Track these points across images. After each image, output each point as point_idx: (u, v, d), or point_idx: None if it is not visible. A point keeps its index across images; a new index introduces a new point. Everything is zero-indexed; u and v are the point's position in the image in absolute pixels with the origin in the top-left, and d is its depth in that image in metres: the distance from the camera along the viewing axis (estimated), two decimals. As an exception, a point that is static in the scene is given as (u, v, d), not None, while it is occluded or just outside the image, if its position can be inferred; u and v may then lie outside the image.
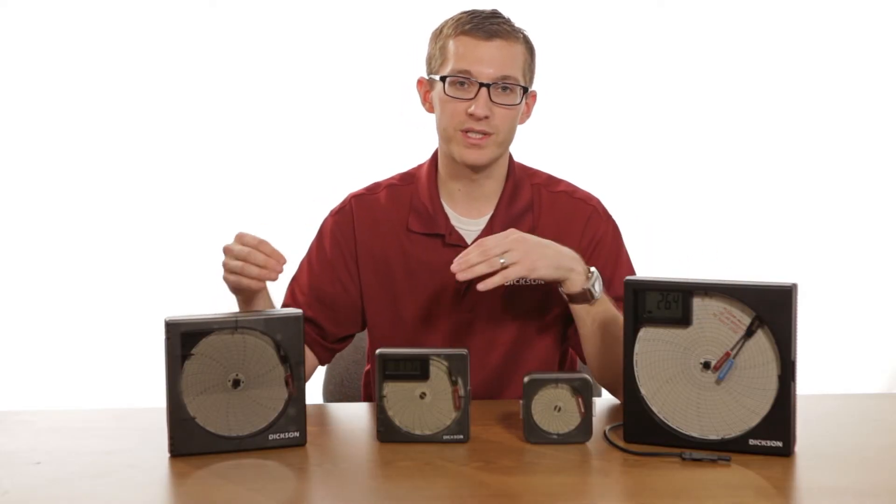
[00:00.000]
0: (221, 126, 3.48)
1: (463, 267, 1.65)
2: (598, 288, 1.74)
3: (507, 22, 1.85)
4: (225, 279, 1.71)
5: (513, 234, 1.70)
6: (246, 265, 1.65)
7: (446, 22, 1.87)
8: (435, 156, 1.96)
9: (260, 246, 1.66)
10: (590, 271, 1.74)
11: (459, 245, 1.89)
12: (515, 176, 1.94)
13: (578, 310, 1.77)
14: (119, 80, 3.43)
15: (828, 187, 3.59)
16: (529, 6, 3.32)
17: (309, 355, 1.93)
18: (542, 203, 1.94)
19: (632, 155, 3.57)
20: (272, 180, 3.50)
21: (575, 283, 1.73)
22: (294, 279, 1.98)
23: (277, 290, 1.86)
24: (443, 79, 1.83)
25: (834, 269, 3.56)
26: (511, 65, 1.82)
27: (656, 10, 3.53)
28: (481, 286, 1.65)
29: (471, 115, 1.80)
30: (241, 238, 1.68)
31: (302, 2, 3.47)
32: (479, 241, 1.69)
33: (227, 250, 1.69)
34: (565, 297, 1.76)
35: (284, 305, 1.94)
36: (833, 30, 3.54)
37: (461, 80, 1.81)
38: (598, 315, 1.76)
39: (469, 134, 1.82)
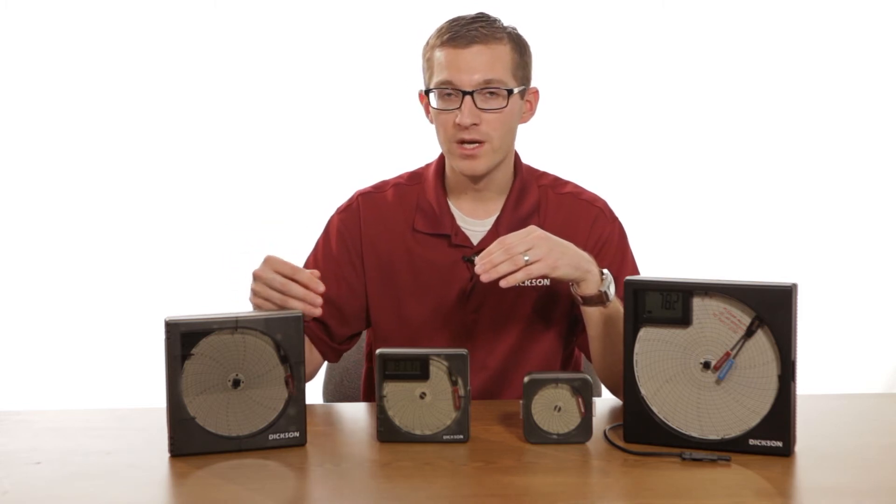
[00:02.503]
0: (222, 125, 3.48)
1: (487, 268, 1.63)
2: (612, 290, 1.74)
3: (489, 25, 1.82)
4: (256, 304, 1.68)
5: (534, 231, 1.68)
6: (287, 299, 1.63)
7: (433, 33, 1.86)
8: (442, 157, 1.95)
9: (296, 275, 1.63)
10: (603, 274, 1.74)
11: (465, 245, 1.89)
12: (523, 177, 1.94)
13: (590, 312, 1.76)
14: (122, 80, 3.44)
15: (827, 187, 3.59)
16: (533, 8, 3.35)
17: (315, 353, 1.93)
18: (549, 204, 1.94)
19: (632, 155, 3.57)
20: (274, 180, 3.51)
21: (591, 285, 1.72)
22: None
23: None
24: (428, 92, 1.84)
25: (834, 269, 3.57)
26: (493, 68, 1.80)
27: (659, 11, 3.53)
28: (503, 283, 1.63)
29: (458, 126, 1.80)
30: (273, 264, 1.64)
31: (309, 2, 3.48)
32: (500, 238, 1.67)
33: (258, 276, 1.65)
34: (578, 299, 1.75)
35: None
36: (833, 30, 3.54)
37: (446, 91, 1.81)
38: (608, 317, 1.76)
39: (463, 145, 1.82)
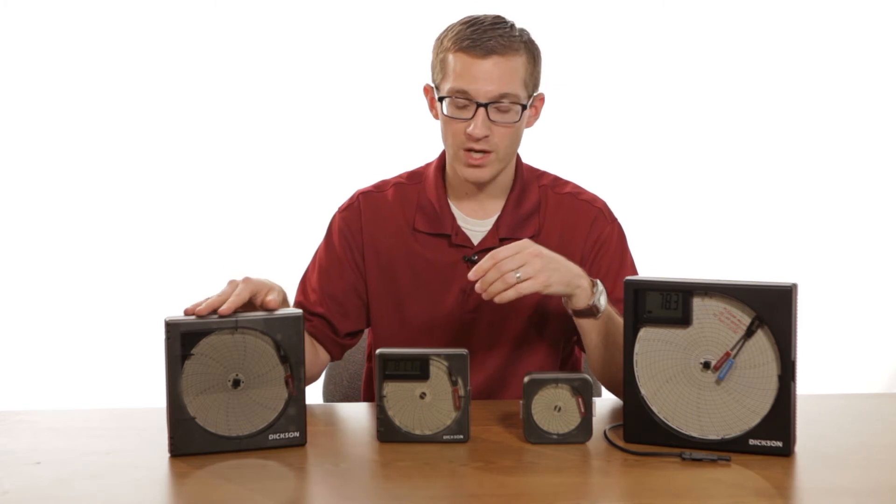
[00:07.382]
0: (222, 125, 3.49)
1: (483, 287, 1.63)
2: (602, 302, 1.73)
3: (506, 34, 1.80)
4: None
5: (528, 246, 1.66)
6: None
7: (447, 32, 1.84)
8: (443, 156, 1.95)
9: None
10: (594, 286, 1.72)
11: (465, 245, 1.89)
12: (523, 178, 1.94)
13: (583, 323, 1.76)
14: (122, 81, 3.44)
15: (827, 187, 3.59)
16: (533, 9, 3.34)
17: (321, 352, 1.93)
18: (549, 204, 1.94)
19: (632, 155, 3.57)
20: (273, 180, 3.51)
21: (581, 300, 1.71)
22: (305, 277, 1.98)
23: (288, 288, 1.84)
24: (441, 99, 1.83)
25: (834, 269, 3.57)
26: (509, 82, 1.79)
27: (659, 11, 3.53)
28: (497, 299, 1.63)
29: (469, 136, 1.80)
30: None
31: (309, 2, 3.47)
32: (492, 253, 1.65)
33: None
34: (570, 311, 1.75)
35: (297, 304, 1.94)
36: (833, 30, 3.54)
37: (459, 100, 1.80)
38: (602, 327, 1.75)
39: (471, 154, 1.81)
